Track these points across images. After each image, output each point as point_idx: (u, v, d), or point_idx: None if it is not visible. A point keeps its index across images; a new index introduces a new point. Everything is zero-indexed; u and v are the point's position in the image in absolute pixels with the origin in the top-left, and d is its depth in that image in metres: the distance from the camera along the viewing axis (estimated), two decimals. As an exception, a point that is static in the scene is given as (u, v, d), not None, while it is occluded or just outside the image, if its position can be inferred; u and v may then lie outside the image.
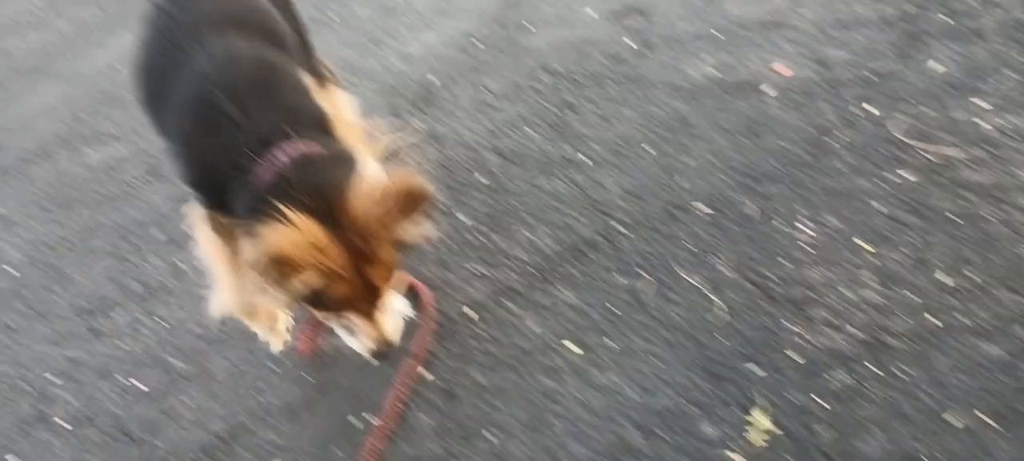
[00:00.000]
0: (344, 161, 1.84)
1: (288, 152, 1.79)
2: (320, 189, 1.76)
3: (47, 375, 2.66)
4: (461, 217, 2.66)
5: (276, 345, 2.29)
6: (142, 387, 2.46)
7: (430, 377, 2.13)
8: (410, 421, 2.03)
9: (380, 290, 1.84)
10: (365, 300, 1.83)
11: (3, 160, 4.30)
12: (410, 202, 1.76)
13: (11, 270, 3.31)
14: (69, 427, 2.40)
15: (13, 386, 2.66)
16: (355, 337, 1.93)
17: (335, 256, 1.73)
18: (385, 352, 1.92)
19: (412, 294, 2.39)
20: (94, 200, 3.54)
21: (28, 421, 2.48)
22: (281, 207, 1.69)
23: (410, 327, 2.27)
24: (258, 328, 2.26)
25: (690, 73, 2.97)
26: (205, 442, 2.17)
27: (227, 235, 1.97)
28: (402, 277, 1.94)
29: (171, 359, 2.53)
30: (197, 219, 2.08)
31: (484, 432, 1.94)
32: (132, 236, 3.18)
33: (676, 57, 3.09)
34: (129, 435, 2.29)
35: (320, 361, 2.28)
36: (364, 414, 2.08)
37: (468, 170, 2.87)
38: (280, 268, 1.65)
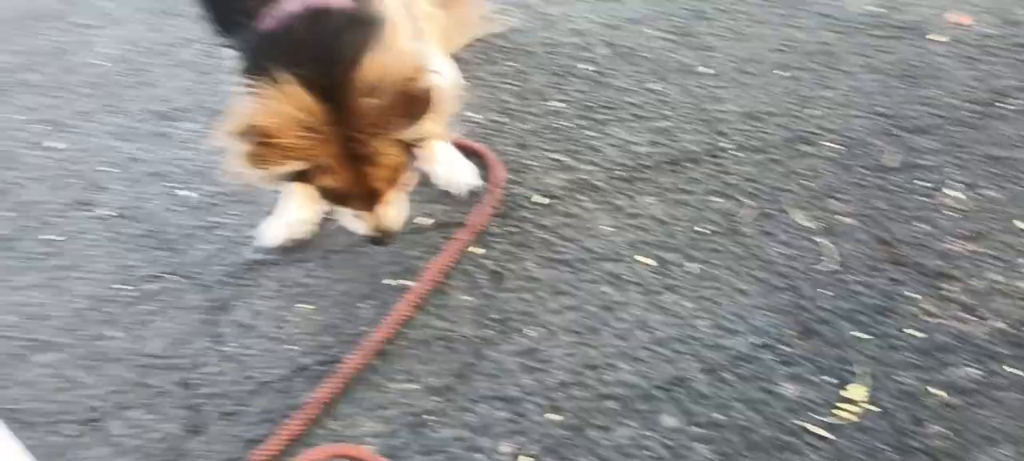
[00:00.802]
0: (367, 26, 1.54)
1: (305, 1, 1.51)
2: (326, 56, 1.49)
3: (104, 166, 2.54)
4: (554, 102, 2.39)
5: (304, 221, 2.07)
6: (190, 196, 2.31)
7: (482, 255, 1.88)
8: (448, 295, 1.80)
9: (379, 191, 1.62)
10: (362, 199, 1.63)
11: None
12: (410, 105, 1.49)
13: (101, 63, 3.24)
14: (112, 217, 2.27)
15: (70, 169, 2.57)
16: (354, 221, 1.75)
17: (326, 145, 1.49)
18: (383, 239, 1.73)
19: (481, 164, 2.14)
20: (196, 15, 3.40)
21: (73, 205, 2.38)
22: (275, 70, 1.43)
23: (472, 198, 2.04)
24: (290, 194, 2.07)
25: (847, 4, 2.58)
26: (234, 264, 2.01)
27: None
28: (411, 177, 1.74)
29: (224, 178, 2.36)
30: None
31: (525, 326, 1.69)
32: (219, 55, 3.03)
33: (837, -15, 2.69)
34: (165, 239, 2.15)
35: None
36: (402, 280, 1.85)
37: (572, 57, 2.59)
38: (258, 148, 1.41)
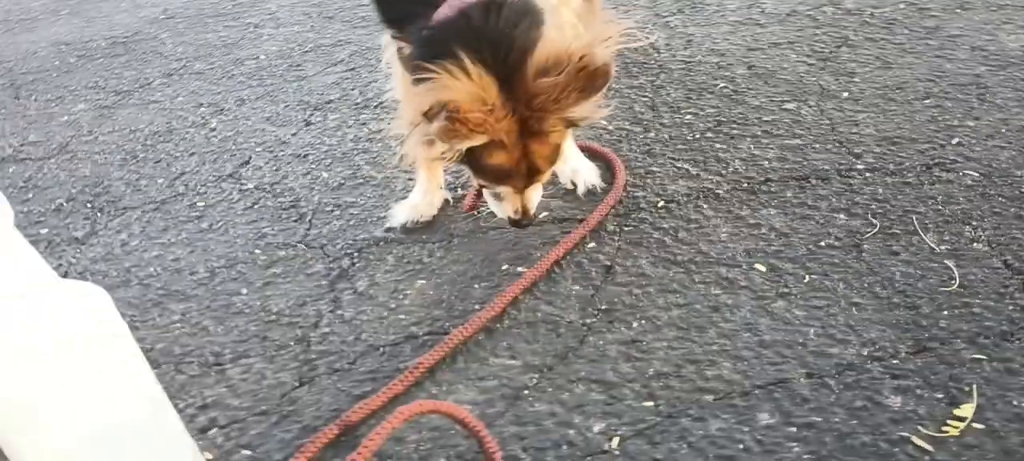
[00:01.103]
0: (534, 16, 1.63)
1: None
2: (502, 41, 1.57)
3: (255, 147, 2.73)
4: (687, 115, 2.39)
5: (430, 205, 2.16)
6: (327, 177, 2.44)
7: (596, 248, 1.90)
8: (560, 284, 1.83)
9: (540, 169, 1.71)
10: (522, 177, 1.71)
11: (289, -35, 4.52)
12: (590, 79, 1.54)
13: (262, 57, 3.47)
14: (255, 190, 2.44)
15: (225, 147, 2.77)
16: (498, 203, 1.82)
17: (504, 122, 1.58)
18: (526, 222, 1.81)
19: (605, 167, 2.17)
20: (352, 20, 3.63)
21: (223, 177, 2.56)
22: (460, 53, 1.51)
23: (593, 198, 2.07)
24: (420, 180, 2.16)
25: (1005, 40, 2.47)
26: (361, 240, 2.11)
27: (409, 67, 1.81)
28: (562, 159, 1.84)
29: (361, 163, 2.50)
30: (387, 46, 1.96)
31: (630, 318, 1.69)
32: (369, 55, 3.21)
33: (993, 22, 2.59)
34: (301, 213, 2.28)
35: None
36: (519, 267, 1.90)
37: (710, 75, 2.58)
38: (452, 123, 1.49)
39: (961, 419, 1.34)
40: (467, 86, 1.54)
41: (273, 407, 1.65)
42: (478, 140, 1.60)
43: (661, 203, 2.03)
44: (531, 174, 1.71)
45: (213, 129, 2.91)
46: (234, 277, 2.08)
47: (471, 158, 1.66)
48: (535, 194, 1.81)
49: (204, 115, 3.04)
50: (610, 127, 2.41)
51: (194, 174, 2.62)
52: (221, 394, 1.71)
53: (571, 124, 1.70)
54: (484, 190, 1.87)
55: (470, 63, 1.53)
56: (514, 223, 1.82)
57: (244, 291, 2.02)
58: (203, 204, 2.44)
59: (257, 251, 2.17)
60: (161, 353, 1.85)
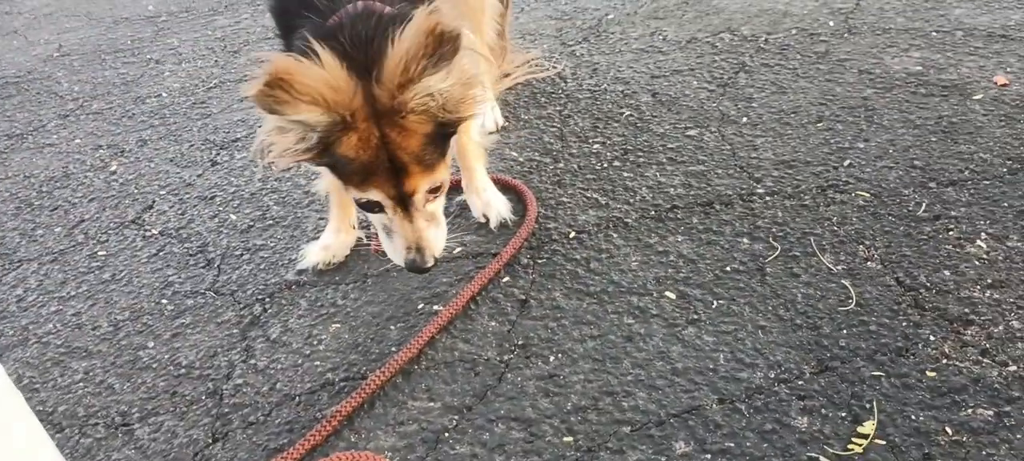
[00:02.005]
0: (404, 21, 1.55)
1: (358, 6, 1.60)
2: (366, 42, 1.54)
3: (158, 188, 2.66)
4: (595, 145, 2.44)
5: (342, 245, 2.15)
6: (235, 219, 2.39)
7: (511, 283, 1.92)
8: (476, 321, 1.83)
9: (406, 166, 1.58)
10: (386, 174, 1.58)
11: (194, 5, 4.44)
12: (437, 43, 1.46)
13: (164, 95, 3.39)
14: (159, 237, 2.37)
15: (126, 191, 2.69)
16: (390, 242, 1.71)
17: (349, 99, 1.48)
18: (421, 263, 1.67)
19: (517, 199, 2.20)
20: (259, 54, 3.57)
21: (125, 223, 2.49)
22: (316, 45, 1.48)
23: (506, 231, 2.09)
24: (331, 219, 2.14)
25: (889, 63, 2.60)
26: (272, 284, 2.07)
27: None
28: (444, 178, 1.69)
29: (270, 203, 2.47)
30: None
31: (547, 352, 1.71)
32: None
33: (878, 46, 2.73)
34: (209, 258, 2.23)
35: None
36: (434, 305, 1.90)
37: (616, 104, 2.64)
38: (276, 92, 1.42)
39: (864, 436, 1.41)
40: (306, 66, 1.47)
41: (186, 466, 1.60)
42: (317, 115, 1.47)
43: (573, 234, 2.07)
44: (398, 173, 1.57)
45: (113, 173, 2.83)
46: (140, 330, 2.02)
47: (329, 154, 1.56)
48: (433, 233, 1.69)
49: (103, 158, 2.95)
50: (520, 158, 2.43)
51: (94, 221, 2.54)
52: (130, 456, 1.66)
53: (440, 121, 1.57)
54: (378, 229, 1.75)
55: (322, 52, 1.46)
56: (411, 267, 1.69)
57: (151, 344, 1.96)
58: (104, 253, 2.36)
59: (164, 301, 2.11)
60: (64, 416, 1.79)
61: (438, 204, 1.74)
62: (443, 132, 1.62)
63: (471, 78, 1.59)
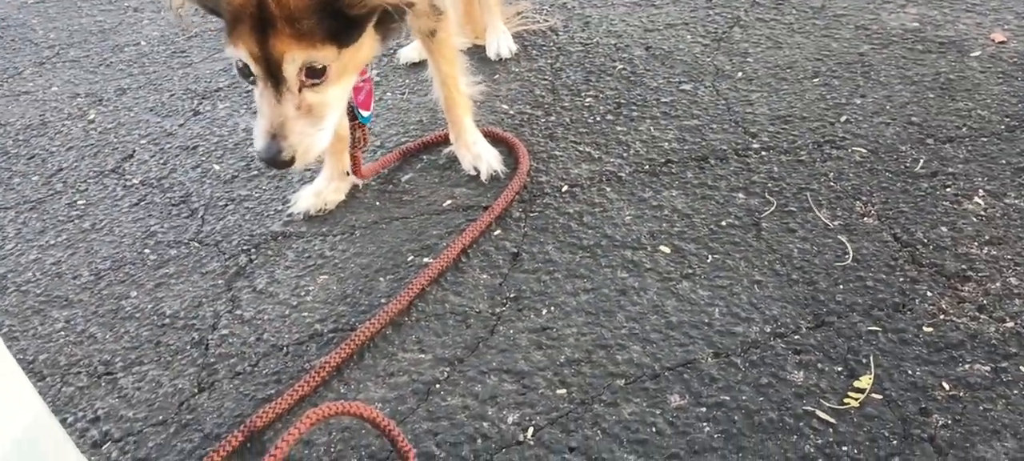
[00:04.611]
0: None
1: None
2: None
3: (139, 139, 2.59)
4: (587, 98, 2.39)
5: (335, 192, 2.10)
6: (219, 170, 2.34)
7: (502, 236, 1.88)
8: (467, 274, 1.80)
9: (275, 23, 1.41)
10: (255, 27, 1.42)
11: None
12: None
13: (143, 43, 3.30)
14: (140, 186, 2.31)
15: (105, 139, 2.62)
16: (256, 122, 1.54)
17: None
18: (276, 154, 1.49)
19: (508, 152, 2.16)
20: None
21: (105, 172, 2.42)
22: None
23: (497, 184, 2.05)
24: (325, 167, 2.08)
25: (886, 19, 2.56)
26: (258, 235, 2.02)
27: None
28: (327, 59, 1.50)
29: (254, 154, 2.40)
30: None
31: (539, 305, 1.68)
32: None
33: (875, 1, 2.71)
34: (192, 209, 2.18)
35: (399, 198, 2.07)
36: (424, 258, 1.86)
37: (608, 57, 2.60)
38: None
39: (860, 390, 1.39)
40: None
41: (171, 416, 1.57)
42: None
43: (565, 187, 2.03)
44: (264, 25, 1.41)
45: (92, 121, 2.76)
46: (122, 279, 1.97)
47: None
48: (302, 125, 1.51)
49: (81, 106, 2.87)
50: (511, 111, 2.39)
51: (73, 170, 2.48)
52: (114, 405, 1.62)
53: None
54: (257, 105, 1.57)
55: None
56: (265, 158, 1.51)
57: (134, 293, 1.92)
58: (84, 202, 2.31)
59: (146, 250, 2.06)
60: (45, 364, 1.74)
61: (322, 98, 1.53)
62: (338, 8, 1.45)
63: None
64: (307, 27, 1.43)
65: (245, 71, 1.52)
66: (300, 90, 1.51)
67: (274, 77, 1.47)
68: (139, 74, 3.05)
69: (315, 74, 1.50)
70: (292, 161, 1.52)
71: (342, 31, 1.50)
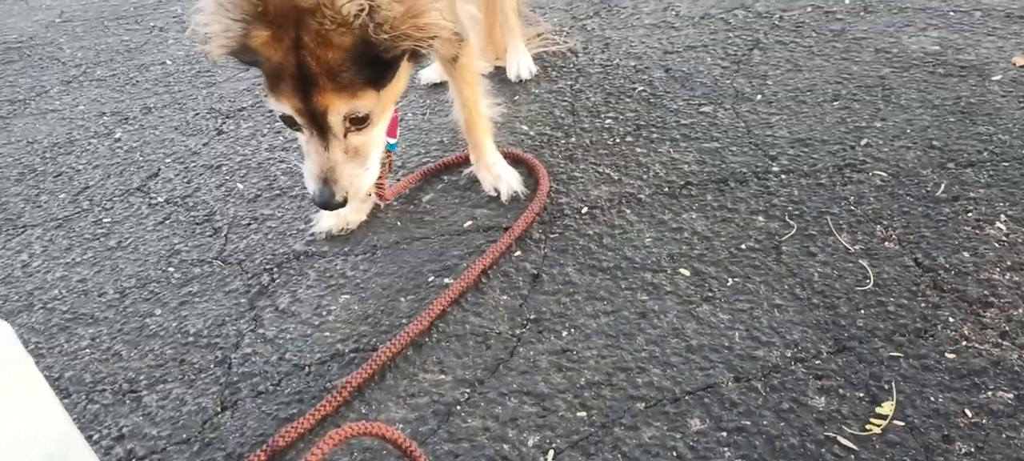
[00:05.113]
0: None
1: None
2: None
3: (163, 156, 2.63)
4: (607, 120, 2.41)
5: (357, 212, 2.13)
6: (242, 189, 2.37)
7: (522, 258, 1.90)
8: (487, 295, 1.81)
9: (316, 76, 1.43)
10: (292, 80, 1.44)
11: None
12: None
13: (168, 62, 3.35)
14: (165, 205, 2.34)
15: (131, 158, 2.65)
16: (305, 165, 1.60)
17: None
18: (328, 198, 1.56)
19: (528, 173, 2.17)
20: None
21: (130, 190, 2.46)
22: None
23: (517, 205, 2.06)
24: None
25: (906, 42, 2.56)
26: (280, 254, 2.05)
27: None
28: (370, 108, 1.54)
29: (277, 173, 2.43)
30: None
31: (559, 327, 1.69)
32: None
33: (895, 24, 2.69)
34: (216, 227, 2.20)
35: (420, 218, 2.09)
36: (445, 278, 1.87)
37: (628, 79, 2.61)
38: None
39: (883, 417, 1.39)
40: None
41: (194, 434, 1.59)
42: None
43: (585, 209, 2.04)
44: (307, 85, 1.44)
45: (118, 140, 2.80)
46: (147, 297, 1.99)
47: (248, 49, 1.46)
48: (350, 168, 1.57)
49: (107, 125, 2.92)
50: (531, 132, 2.41)
51: (99, 188, 2.51)
52: (137, 423, 1.64)
53: (368, 40, 1.43)
54: (304, 152, 1.62)
55: None
56: (318, 201, 1.57)
57: (158, 312, 1.94)
58: (110, 220, 2.34)
59: (170, 269, 2.09)
60: (70, 381, 1.77)
61: (367, 139, 1.59)
62: (373, 55, 1.46)
63: (424, 10, 1.47)
64: (347, 79, 1.46)
65: (289, 121, 1.56)
66: (345, 135, 1.56)
67: (319, 126, 1.52)
68: (164, 93, 3.09)
69: (361, 121, 1.56)
70: (345, 202, 1.60)
71: (379, 75, 1.54)
